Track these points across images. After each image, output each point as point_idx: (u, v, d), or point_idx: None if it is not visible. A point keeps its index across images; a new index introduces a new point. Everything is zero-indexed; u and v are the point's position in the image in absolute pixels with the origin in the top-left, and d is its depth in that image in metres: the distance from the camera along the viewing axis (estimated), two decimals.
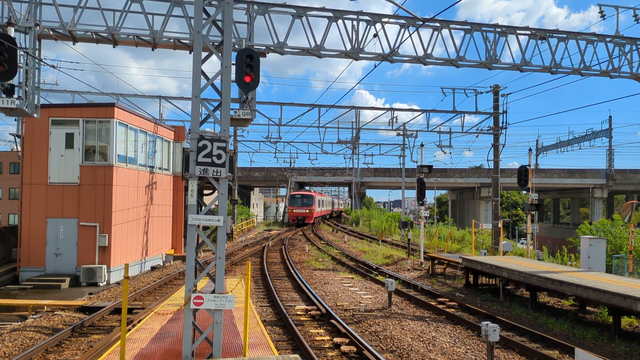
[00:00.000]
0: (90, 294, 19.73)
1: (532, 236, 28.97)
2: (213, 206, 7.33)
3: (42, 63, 20.89)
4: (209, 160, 6.63)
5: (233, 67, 14.09)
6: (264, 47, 15.84)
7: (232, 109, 14.59)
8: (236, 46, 15.22)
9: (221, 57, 7.07)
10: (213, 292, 6.64)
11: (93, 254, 23.53)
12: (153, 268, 26.73)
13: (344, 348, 11.75)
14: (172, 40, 15.17)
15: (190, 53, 15.09)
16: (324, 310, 15.31)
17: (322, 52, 16.28)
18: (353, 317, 15.10)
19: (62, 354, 11.67)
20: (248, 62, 13.83)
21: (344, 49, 16.44)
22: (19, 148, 25.00)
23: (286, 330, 13.47)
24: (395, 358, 11.41)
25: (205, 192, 32.60)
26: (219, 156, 6.64)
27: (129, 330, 10.71)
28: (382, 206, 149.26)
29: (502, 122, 29.46)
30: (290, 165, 61.22)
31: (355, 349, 11.67)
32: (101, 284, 22.77)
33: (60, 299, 18.76)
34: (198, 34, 7.01)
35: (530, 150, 28.06)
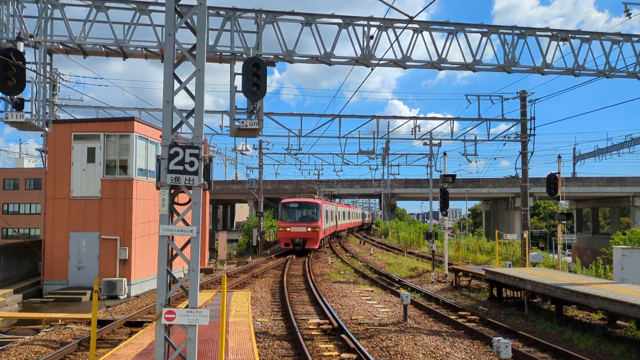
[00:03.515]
0: (108, 307, 19.67)
1: (563, 247, 27.87)
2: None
3: (59, 79, 21.14)
4: (180, 168, 6.34)
5: (239, 77, 13.98)
6: (272, 56, 15.60)
7: (238, 119, 14.37)
8: (244, 55, 15.04)
9: (194, 60, 6.79)
10: (187, 307, 6.33)
11: (114, 267, 23.62)
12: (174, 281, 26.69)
13: None
14: (179, 51, 15.02)
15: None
16: (336, 325, 14.84)
17: (332, 59, 15.92)
18: (366, 332, 14.57)
19: None
20: (254, 71, 13.69)
21: (355, 55, 16.06)
22: (45, 163, 25.37)
23: (294, 345, 13.06)
24: None
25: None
26: (191, 164, 6.35)
27: (117, 345, 10.50)
28: (415, 218, 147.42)
29: (530, 129, 28.50)
30: (318, 177, 59.64)
31: None
32: (121, 297, 22.79)
33: (79, 312, 18.80)
34: (169, 37, 6.76)
35: (559, 157, 27.00)
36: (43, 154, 26.08)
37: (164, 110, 6.51)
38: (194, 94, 6.59)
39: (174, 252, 6.84)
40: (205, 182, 6.52)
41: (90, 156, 24.25)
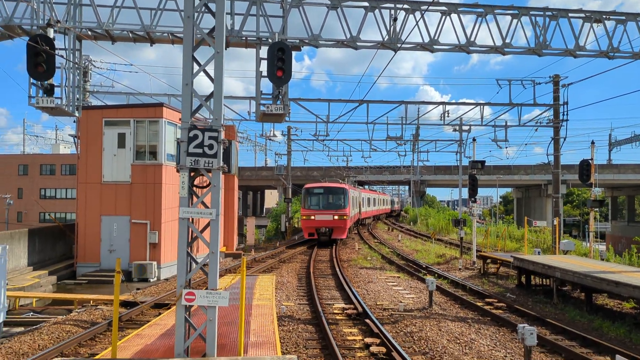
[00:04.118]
0: (138, 289, 20.11)
1: (597, 235, 27.32)
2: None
3: (91, 65, 21.44)
4: (200, 150, 6.38)
5: (264, 62, 13.97)
6: (298, 41, 15.55)
7: (264, 105, 14.40)
8: (269, 40, 15.02)
9: (213, 43, 6.78)
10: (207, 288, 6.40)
11: (144, 250, 24.10)
12: (203, 265, 27.04)
13: (373, 349, 11.27)
14: (199, 36, 15.10)
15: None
16: (360, 309, 14.85)
17: (358, 43, 15.80)
18: (391, 317, 14.54)
19: (94, 347, 11.83)
20: (280, 56, 13.67)
21: (381, 39, 15.89)
22: (77, 149, 25.91)
23: (318, 329, 13.11)
24: None
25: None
26: (210, 146, 6.38)
27: (142, 326, 10.73)
28: (445, 205, 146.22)
29: (563, 114, 27.82)
30: (347, 163, 59.35)
31: (384, 350, 11.16)
32: (152, 280, 23.25)
33: (111, 294, 19.22)
34: (188, 19, 6.77)
35: (593, 142, 26.35)
36: (75, 140, 26.63)
37: (183, 92, 6.53)
38: (213, 77, 6.60)
39: (194, 235, 6.91)
40: (225, 165, 6.54)
41: (121, 142, 24.68)
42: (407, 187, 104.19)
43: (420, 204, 77.04)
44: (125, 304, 16.56)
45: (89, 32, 15.19)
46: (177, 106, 26.56)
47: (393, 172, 75.97)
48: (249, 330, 9.94)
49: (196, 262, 6.92)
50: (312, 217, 34.26)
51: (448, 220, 50.48)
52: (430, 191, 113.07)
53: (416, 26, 15.89)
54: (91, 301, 17.21)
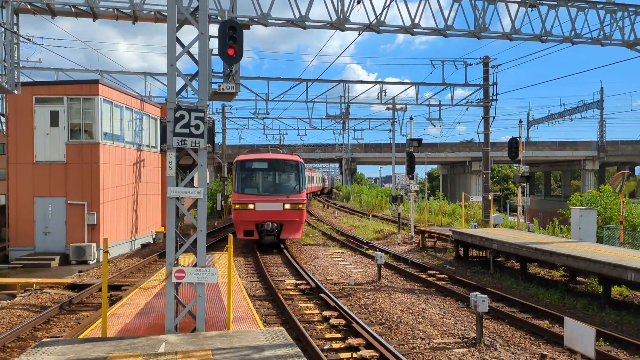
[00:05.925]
0: (80, 271, 19.61)
1: (522, 209, 29.10)
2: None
3: (20, 39, 20.43)
4: (186, 130, 6.44)
5: (215, 40, 13.88)
6: (248, 19, 15.50)
7: (215, 83, 14.32)
8: (219, 18, 14.90)
9: (197, 23, 6.81)
10: (195, 265, 6.53)
11: (82, 232, 23.34)
12: (143, 246, 26.58)
13: (333, 321, 11.72)
14: (152, 12, 14.78)
15: None
16: (313, 285, 15.28)
17: (307, 22, 15.96)
18: (343, 291, 15.07)
19: (50, 330, 11.58)
20: (231, 34, 13.49)
21: (329, 19, 16.12)
22: (4, 127, 24.56)
23: (275, 305, 13.43)
24: (384, 330, 11.39)
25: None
26: (197, 127, 6.45)
27: (114, 305, 10.67)
28: (373, 182, 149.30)
29: (492, 94, 29.24)
30: (280, 142, 59.36)
31: (344, 322, 11.64)
32: (91, 262, 22.64)
33: (50, 277, 18.63)
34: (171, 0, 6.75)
35: (520, 121, 27.93)
36: (2, 118, 25.21)
37: (169, 73, 6.53)
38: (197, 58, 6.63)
39: (178, 213, 6.98)
40: (210, 145, 6.64)
41: (54, 120, 23.59)
42: (337, 165, 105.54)
43: (351, 182, 78.44)
44: (71, 287, 16.19)
45: (28, 6, 14.46)
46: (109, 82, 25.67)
47: (325, 150, 76.76)
48: (223, 307, 10.09)
49: (184, 241, 7.01)
50: (250, 207, 22.20)
51: (381, 197, 51.87)
52: (359, 168, 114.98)
53: (363, 7, 16.24)
54: (34, 285, 16.63)
